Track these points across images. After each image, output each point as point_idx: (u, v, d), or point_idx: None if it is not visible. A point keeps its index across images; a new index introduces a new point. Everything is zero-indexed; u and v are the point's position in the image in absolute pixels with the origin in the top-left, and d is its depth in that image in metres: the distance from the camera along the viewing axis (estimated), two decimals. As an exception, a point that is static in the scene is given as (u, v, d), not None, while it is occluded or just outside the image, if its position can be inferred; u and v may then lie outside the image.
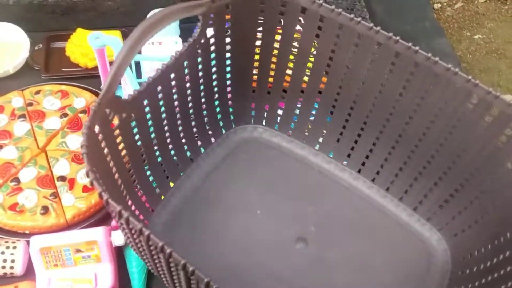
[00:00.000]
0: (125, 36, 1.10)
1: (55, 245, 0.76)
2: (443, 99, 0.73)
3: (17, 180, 0.86)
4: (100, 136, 0.62)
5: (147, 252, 0.55)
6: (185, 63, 0.75)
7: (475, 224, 0.75)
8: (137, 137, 0.71)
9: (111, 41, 0.91)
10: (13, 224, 0.83)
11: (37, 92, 0.98)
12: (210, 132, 0.86)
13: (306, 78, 0.84)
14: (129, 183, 0.72)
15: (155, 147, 0.76)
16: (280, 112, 0.89)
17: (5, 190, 0.85)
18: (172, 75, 0.73)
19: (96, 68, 0.97)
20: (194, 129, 0.82)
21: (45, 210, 0.84)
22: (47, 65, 1.06)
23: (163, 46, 0.97)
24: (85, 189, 0.86)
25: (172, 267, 0.53)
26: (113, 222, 0.83)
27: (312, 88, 0.84)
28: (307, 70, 0.83)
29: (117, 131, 0.67)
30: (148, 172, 0.76)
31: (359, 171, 0.85)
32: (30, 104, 0.96)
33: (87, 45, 0.97)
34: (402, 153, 0.80)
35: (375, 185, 0.85)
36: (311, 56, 0.81)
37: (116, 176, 0.68)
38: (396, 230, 0.81)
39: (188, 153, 0.83)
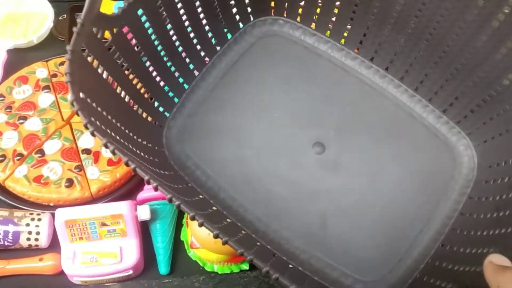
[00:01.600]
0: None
1: (81, 218, 0.75)
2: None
3: (41, 152, 0.85)
4: (91, 58, 0.59)
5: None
6: None
7: (507, 133, 0.71)
8: (137, 48, 0.67)
9: (137, 11, 0.89)
10: (38, 196, 0.82)
11: (61, 63, 0.96)
12: (225, 28, 0.80)
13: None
14: (138, 95, 0.69)
15: (162, 53, 0.72)
16: (302, 2, 0.82)
17: (29, 161, 0.84)
18: None
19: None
20: (207, 27, 0.77)
21: (70, 182, 0.82)
22: (71, 35, 1.02)
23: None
24: (110, 162, 0.85)
25: None
26: (139, 196, 0.82)
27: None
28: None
29: (112, 48, 0.64)
30: (158, 79, 0.73)
31: (386, 69, 0.79)
32: (55, 75, 0.94)
33: (112, 16, 0.95)
34: (433, 52, 0.75)
35: (404, 84, 0.79)
36: None
37: (123, 94, 0.65)
38: (422, 133, 0.77)
39: (202, 53, 0.78)
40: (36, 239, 0.79)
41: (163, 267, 0.79)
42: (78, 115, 0.50)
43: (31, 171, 0.83)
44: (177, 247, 0.81)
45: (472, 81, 0.74)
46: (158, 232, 0.80)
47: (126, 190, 0.85)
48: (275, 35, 0.83)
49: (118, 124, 0.62)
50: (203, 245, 0.75)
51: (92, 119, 0.52)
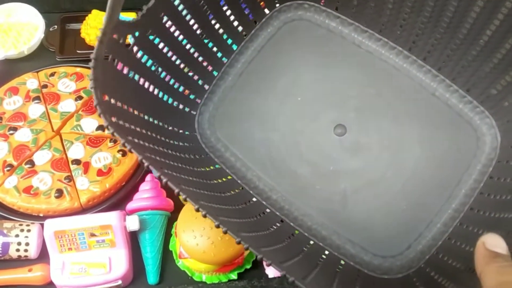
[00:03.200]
0: (140, 18, 1.08)
1: (70, 228, 0.75)
2: None
3: (31, 162, 0.86)
4: (115, 62, 0.62)
5: None
6: None
7: None
8: (161, 45, 0.71)
9: (127, 23, 0.90)
10: (27, 206, 0.82)
11: (52, 74, 0.97)
12: (251, 15, 0.82)
13: None
14: (168, 87, 0.73)
15: (188, 47, 0.75)
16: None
17: (19, 172, 0.84)
18: None
19: (111, 50, 0.96)
20: (232, 17, 0.79)
21: (60, 193, 0.83)
22: (62, 46, 1.05)
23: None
24: (99, 173, 0.85)
25: None
26: (128, 206, 0.82)
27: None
28: None
29: (137, 49, 0.67)
30: (187, 70, 0.76)
31: (409, 49, 0.79)
32: (45, 86, 0.95)
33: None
34: (455, 31, 0.74)
35: (427, 65, 0.79)
36: None
37: (151, 88, 0.70)
38: (445, 113, 0.77)
39: (229, 41, 0.80)
40: (26, 250, 0.79)
41: (152, 277, 0.80)
42: (100, 116, 0.51)
43: (21, 182, 0.84)
44: (166, 257, 0.82)
45: (495, 60, 0.73)
46: (147, 242, 0.81)
47: (116, 200, 0.86)
48: (300, 19, 0.84)
49: (149, 118, 0.67)
50: (191, 255, 0.76)
51: (116, 119, 0.55)
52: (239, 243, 0.50)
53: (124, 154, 0.87)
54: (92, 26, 1.04)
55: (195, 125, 0.78)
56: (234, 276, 0.79)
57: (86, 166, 0.86)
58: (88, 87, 0.54)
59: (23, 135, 0.89)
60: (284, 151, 0.75)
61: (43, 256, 0.80)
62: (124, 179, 0.87)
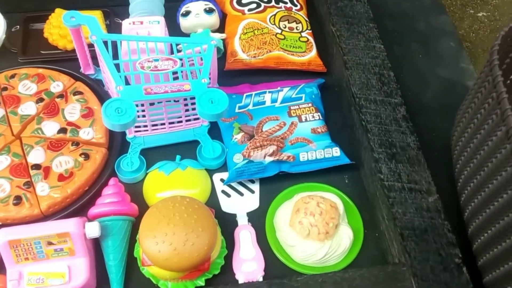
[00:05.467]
0: (107, 16, 1.04)
1: (25, 237, 0.71)
2: None
3: (-12, 169, 0.82)
4: None
5: None
6: None
7: None
8: None
9: (87, 20, 0.86)
10: (-16, 215, 0.78)
11: (12, 76, 0.92)
12: None
13: None
14: None
15: None
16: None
17: (-24, 179, 0.80)
18: None
19: (75, 50, 0.92)
20: None
21: (19, 200, 0.79)
22: (24, 47, 1.01)
23: (143, 26, 0.92)
24: (60, 178, 0.81)
25: None
26: (90, 212, 0.78)
27: None
28: None
29: None
30: None
31: None
32: (5, 89, 0.91)
33: (66, 27, 0.91)
34: None
35: None
36: None
37: None
38: None
39: None
40: (-19, 261, 0.75)
41: (115, 286, 0.75)
42: None
43: (-24, 189, 0.80)
44: (131, 264, 0.78)
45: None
46: (110, 250, 0.77)
47: (78, 206, 0.82)
48: None
49: None
50: (154, 262, 0.71)
51: None
52: None
53: (86, 157, 0.84)
54: (55, 25, 1.00)
55: None
56: (201, 282, 0.75)
57: (47, 171, 0.82)
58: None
59: (-19, 140, 0.85)
60: None
61: (1, 268, 0.76)
62: (86, 184, 0.83)
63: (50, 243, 0.72)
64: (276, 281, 0.70)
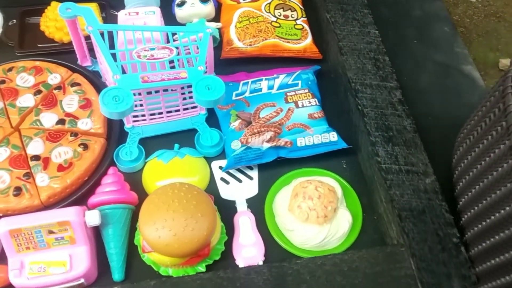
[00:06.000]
0: (103, 8, 1.05)
1: (25, 226, 0.72)
2: None
3: (-12, 161, 0.82)
4: None
5: None
6: None
7: None
8: None
9: (83, 11, 0.86)
10: (-16, 206, 0.79)
11: (10, 69, 0.93)
12: None
13: None
14: None
15: None
16: None
17: (-25, 171, 0.81)
18: None
19: (72, 42, 0.93)
20: None
21: (19, 191, 0.79)
22: (21, 41, 1.01)
23: (139, 16, 0.92)
24: (60, 168, 0.82)
25: None
26: (90, 201, 0.79)
27: None
28: None
29: None
30: None
31: None
32: (3, 82, 0.91)
33: (62, 19, 0.92)
34: None
35: None
36: None
37: None
38: None
39: None
40: (-18, 251, 0.76)
41: (116, 274, 0.76)
42: None
43: (-24, 181, 0.80)
44: (132, 252, 0.78)
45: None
46: (110, 238, 0.77)
47: (78, 196, 0.82)
48: None
49: None
50: (154, 248, 0.72)
51: None
52: None
53: (85, 147, 0.84)
54: (52, 18, 1.00)
55: None
56: (202, 268, 0.76)
57: (46, 162, 0.82)
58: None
59: (-20, 133, 0.85)
60: None
61: (2, 258, 0.76)
62: (86, 174, 0.83)
63: (51, 232, 0.73)
64: (276, 264, 0.70)
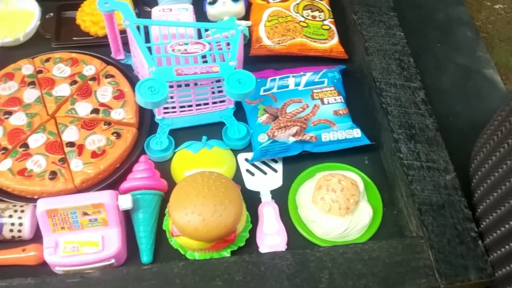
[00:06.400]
0: (136, 4, 1.09)
1: (62, 207, 0.75)
2: None
3: (26, 145, 0.86)
4: None
5: None
6: None
7: None
8: None
9: (120, 6, 0.90)
10: (22, 188, 0.82)
11: (47, 60, 0.97)
12: None
13: None
14: None
15: None
16: None
17: (14, 155, 0.85)
18: None
19: (106, 36, 0.97)
20: None
21: (54, 175, 0.83)
22: (57, 33, 1.05)
23: (173, 12, 0.96)
24: (93, 155, 0.86)
25: None
26: (122, 186, 0.82)
27: None
28: None
29: None
30: None
31: None
32: (40, 72, 0.95)
33: (98, 13, 0.96)
34: None
35: None
36: None
37: None
38: None
39: None
40: (19, 231, 0.79)
41: (145, 256, 0.79)
42: None
43: (15, 164, 0.84)
44: (160, 236, 0.82)
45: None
46: (140, 222, 0.81)
47: (110, 182, 0.86)
48: None
49: None
50: (183, 232, 0.75)
51: None
52: None
53: (118, 136, 0.88)
54: (88, 12, 1.04)
55: None
56: (227, 254, 0.79)
57: (80, 149, 0.86)
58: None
59: (18, 119, 0.89)
60: None
61: (37, 237, 0.80)
62: (118, 161, 0.87)
63: (85, 214, 0.76)
64: (299, 251, 0.73)
